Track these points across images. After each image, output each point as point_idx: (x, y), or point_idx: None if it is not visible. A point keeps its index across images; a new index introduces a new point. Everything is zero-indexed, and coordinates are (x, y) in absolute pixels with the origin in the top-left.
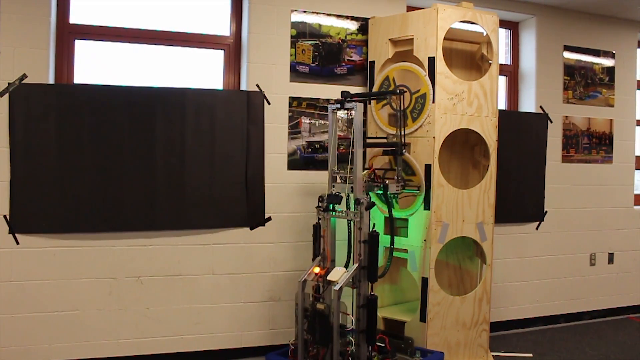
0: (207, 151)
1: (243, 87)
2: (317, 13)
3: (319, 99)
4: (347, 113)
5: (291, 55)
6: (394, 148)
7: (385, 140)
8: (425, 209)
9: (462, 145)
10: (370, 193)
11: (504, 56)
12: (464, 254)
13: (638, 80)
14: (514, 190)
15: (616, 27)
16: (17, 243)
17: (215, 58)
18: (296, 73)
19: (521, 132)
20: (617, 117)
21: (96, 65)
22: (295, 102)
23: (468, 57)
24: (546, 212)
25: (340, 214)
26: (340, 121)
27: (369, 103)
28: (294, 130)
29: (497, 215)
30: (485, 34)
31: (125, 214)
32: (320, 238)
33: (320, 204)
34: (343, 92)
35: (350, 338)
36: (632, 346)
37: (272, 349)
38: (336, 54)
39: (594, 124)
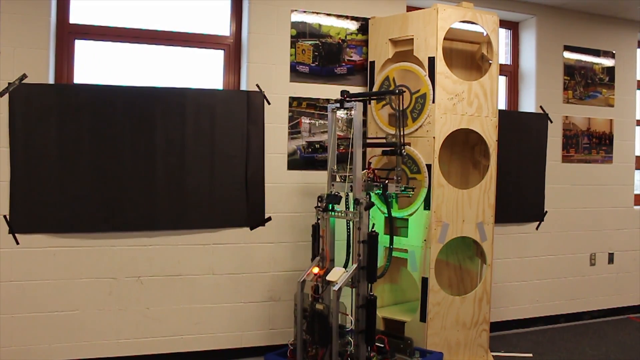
0: (207, 151)
1: (243, 87)
2: (317, 13)
3: (319, 99)
4: (347, 113)
5: (291, 55)
6: (393, 148)
7: (384, 141)
8: (425, 208)
9: (462, 145)
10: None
11: (504, 56)
12: (464, 254)
13: (638, 80)
14: (514, 190)
15: (616, 27)
16: (17, 243)
17: (215, 58)
18: (296, 73)
19: (521, 132)
20: (617, 117)
21: (96, 65)
22: (295, 102)
23: (468, 57)
24: (546, 212)
25: (340, 214)
26: (340, 121)
27: (369, 103)
28: (294, 130)
29: (497, 215)
30: (485, 34)
31: (125, 214)
32: (319, 238)
33: (319, 204)
34: (342, 92)
35: (350, 338)
36: (632, 346)
37: (272, 348)
38: (336, 54)
39: (594, 124)
